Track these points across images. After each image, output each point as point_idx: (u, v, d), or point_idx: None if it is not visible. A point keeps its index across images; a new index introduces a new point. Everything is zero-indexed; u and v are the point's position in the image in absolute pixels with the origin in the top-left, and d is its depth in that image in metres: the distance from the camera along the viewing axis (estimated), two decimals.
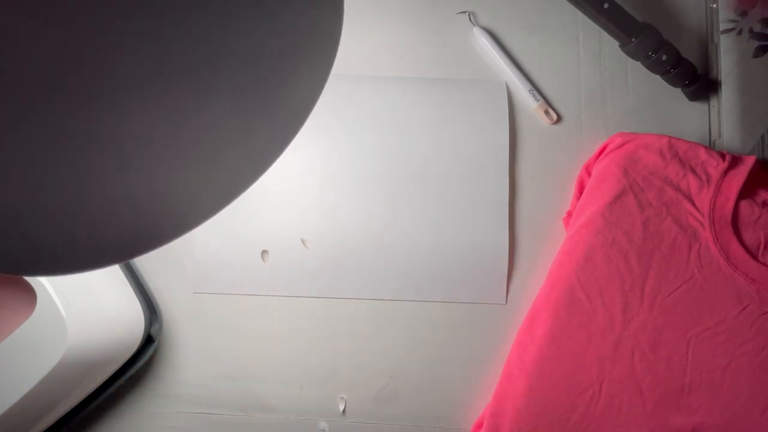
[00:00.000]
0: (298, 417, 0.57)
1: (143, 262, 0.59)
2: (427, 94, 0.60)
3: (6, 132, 0.21)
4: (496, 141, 0.59)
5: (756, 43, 0.56)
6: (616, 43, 0.58)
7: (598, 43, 0.61)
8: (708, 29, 0.60)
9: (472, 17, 0.61)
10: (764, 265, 0.52)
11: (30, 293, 0.48)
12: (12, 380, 0.45)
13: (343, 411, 0.56)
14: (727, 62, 0.57)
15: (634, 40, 0.55)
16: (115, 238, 0.28)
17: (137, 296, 0.56)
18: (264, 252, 0.59)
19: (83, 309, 0.48)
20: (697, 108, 0.59)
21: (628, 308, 0.53)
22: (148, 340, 0.57)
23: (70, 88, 0.22)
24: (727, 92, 0.57)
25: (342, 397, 0.56)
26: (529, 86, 0.59)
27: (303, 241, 0.55)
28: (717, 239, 0.53)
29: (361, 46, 0.61)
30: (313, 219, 0.58)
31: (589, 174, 0.58)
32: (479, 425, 0.54)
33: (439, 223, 0.58)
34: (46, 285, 0.47)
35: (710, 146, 0.58)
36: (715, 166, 0.54)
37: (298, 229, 0.58)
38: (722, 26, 0.57)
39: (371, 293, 0.57)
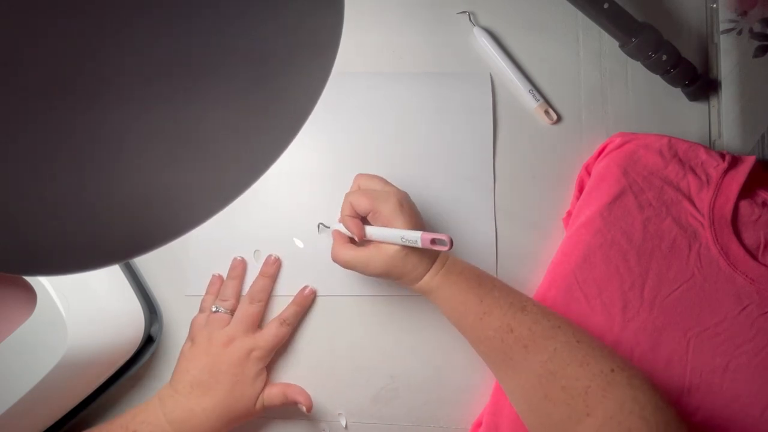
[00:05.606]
0: (298, 417, 0.57)
1: (143, 262, 0.59)
2: (418, 95, 0.60)
3: (7, 131, 0.22)
4: (482, 131, 0.59)
5: (756, 43, 0.56)
6: (616, 43, 0.58)
7: (598, 43, 0.61)
8: (708, 29, 0.60)
9: (472, 17, 0.61)
10: (764, 265, 0.52)
11: (30, 293, 0.48)
12: (12, 380, 0.45)
13: (345, 426, 0.56)
14: (727, 62, 0.57)
15: (634, 40, 0.55)
16: (115, 238, 0.28)
17: (137, 296, 0.56)
18: (256, 252, 0.58)
19: (83, 309, 0.48)
20: (697, 108, 0.60)
21: (628, 308, 0.53)
22: (148, 340, 0.57)
23: (71, 88, 0.22)
24: (727, 92, 0.57)
25: (340, 413, 0.56)
26: (529, 86, 0.59)
27: (296, 240, 0.55)
28: (717, 239, 0.53)
29: (361, 47, 0.61)
30: (305, 217, 0.58)
31: (589, 174, 0.58)
32: (479, 424, 0.54)
33: (438, 223, 0.58)
34: (46, 285, 0.47)
35: (710, 146, 0.58)
36: (714, 166, 0.54)
37: (290, 228, 0.58)
38: (722, 26, 0.57)
39: (370, 290, 0.57)
